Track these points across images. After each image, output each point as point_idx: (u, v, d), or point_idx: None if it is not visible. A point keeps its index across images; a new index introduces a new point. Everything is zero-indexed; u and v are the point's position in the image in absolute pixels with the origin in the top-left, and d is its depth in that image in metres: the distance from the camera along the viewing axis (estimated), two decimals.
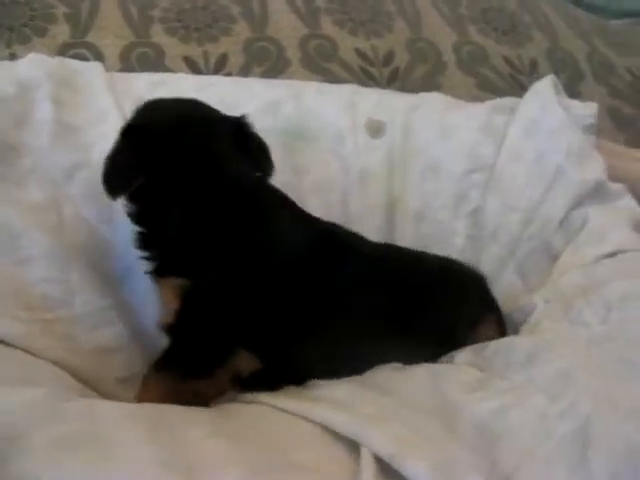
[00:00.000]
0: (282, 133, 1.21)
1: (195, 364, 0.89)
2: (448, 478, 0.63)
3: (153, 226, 0.96)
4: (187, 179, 0.92)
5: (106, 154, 0.95)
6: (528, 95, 1.35)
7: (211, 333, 0.90)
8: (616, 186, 1.22)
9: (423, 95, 1.42)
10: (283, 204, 1.02)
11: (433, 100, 1.38)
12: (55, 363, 0.88)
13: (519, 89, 1.67)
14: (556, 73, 1.72)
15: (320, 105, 1.28)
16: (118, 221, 1.08)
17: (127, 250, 1.04)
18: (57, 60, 1.27)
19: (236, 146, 0.98)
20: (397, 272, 1.03)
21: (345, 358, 0.90)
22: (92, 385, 0.92)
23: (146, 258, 0.97)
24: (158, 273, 0.96)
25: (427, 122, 1.31)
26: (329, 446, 0.68)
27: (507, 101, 1.38)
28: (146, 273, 0.97)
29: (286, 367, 0.92)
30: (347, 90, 1.36)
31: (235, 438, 0.66)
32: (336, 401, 0.76)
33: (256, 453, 0.64)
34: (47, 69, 1.20)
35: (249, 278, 0.91)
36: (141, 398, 0.88)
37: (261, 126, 1.19)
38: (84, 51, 1.47)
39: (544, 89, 1.32)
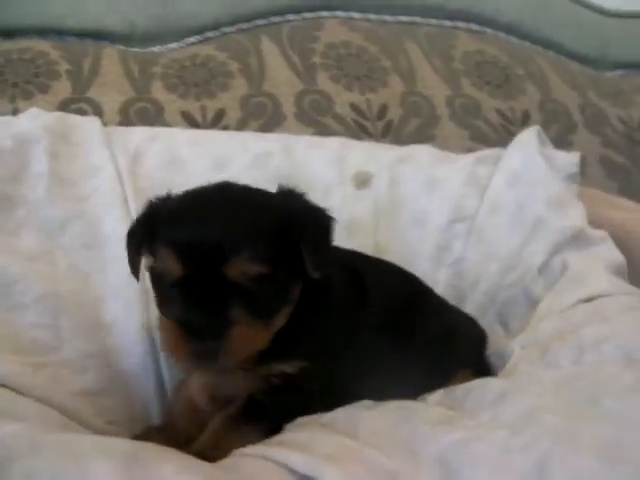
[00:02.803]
0: (272, 186, 1.24)
1: (280, 425, 0.89)
2: None
3: None
4: None
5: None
6: (511, 146, 1.37)
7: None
8: (597, 232, 1.24)
9: (411, 147, 1.45)
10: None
11: (420, 153, 1.41)
12: (42, 402, 0.88)
13: (511, 139, 1.69)
14: (548, 124, 1.77)
15: (309, 158, 1.31)
16: (110, 271, 1.11)
17: (116, 299, 1.08)
18: (56, 115, 1.30)
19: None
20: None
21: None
22: (83, 424, 0.93)
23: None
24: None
25: (413, 174, 1.33)
26: None
27: (491, 152, 1.40)
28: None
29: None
30: (337, 143, 1.39)
31: (206, 474, 0.68)
32: (299, 444, 0.77)
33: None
34: (46, 123, 1.23)
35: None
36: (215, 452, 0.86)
37: (251, 178, 1.24)
38: (85, 106, 1.53)
39: (528, 140, 1.35)
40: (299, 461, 0.70)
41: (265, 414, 0.91)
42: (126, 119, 1.53)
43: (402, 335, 1.03)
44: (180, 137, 1.34)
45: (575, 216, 1.24)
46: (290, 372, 0.91)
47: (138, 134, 1.32)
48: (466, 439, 0.72)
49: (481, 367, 1.13)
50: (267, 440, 0.84)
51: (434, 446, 0.72)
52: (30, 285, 1.03)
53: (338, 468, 0.68)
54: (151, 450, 0.71)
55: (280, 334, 0.90)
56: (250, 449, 0.78)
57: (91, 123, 1.31)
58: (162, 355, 1.07)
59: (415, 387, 1.00)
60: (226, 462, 0.76)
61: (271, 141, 1.36)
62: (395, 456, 0.72)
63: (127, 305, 1.09)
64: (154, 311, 1.07)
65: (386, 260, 1.17)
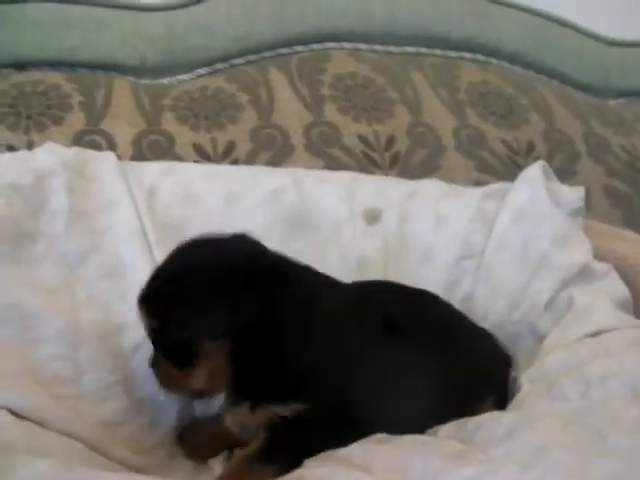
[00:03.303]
0: (283, 222, 1.27)
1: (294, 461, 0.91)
2: None
3: None
4: None
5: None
6: (518, 182, 1.39)
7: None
8: (601, 266, 1.26)
9: (420, 183, 1.47)
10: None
11: (429, 188, 1.43)
12: (64, 434, 0.90)
13: (516, 170, 1.71)
14: (552, 154, 1.80)
15: (319, 194, 1.33)
16: (130, 299, 1.10)
17: (137, 326, 1.08)
18: (72, 150, 1.33)
19: None
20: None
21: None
22: (105, 454, 0.94)
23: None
24: None
25: (421, 210, 1.35)
26: None
27: (498, 187, 1.42)
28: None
29: None
30: (346, 178, 1.41)
31: None
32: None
33: None
34: (62, 159, 1.26)
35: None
36: None
37: (265, 215, 1.26)
38: (98, 138, 1.55)
39: (533, 175, 1.36)
40: None
41: (279, 453, 0.94)
42: (139, 151, 1.55)
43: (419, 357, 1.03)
44: (193, 172, 1.37)
45: (581, 251, 1.26)
46: (288, 414, 0.95)
47: (152, 169, 1.35)
48: (479, 474, 0.73)
49: (503, 394, 1.13)
50: (287, 476, 0.86)
51: None
52: (48, 318, 1.05)
53: None
54: None
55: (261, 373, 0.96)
56: None
57: (107, 158, 1.33)
58: None
59: (434, 414, 1.01)
60: None
61: (282, 176, 1.39)
62: None
63: None
64: None
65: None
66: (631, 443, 0.78)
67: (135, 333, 1.10)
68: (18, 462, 0.72)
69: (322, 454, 0.90)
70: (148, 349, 1.07)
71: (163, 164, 1.41)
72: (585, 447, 0.79)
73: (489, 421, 0.93)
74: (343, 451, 0.89)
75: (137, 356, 1.10)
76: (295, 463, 0.90)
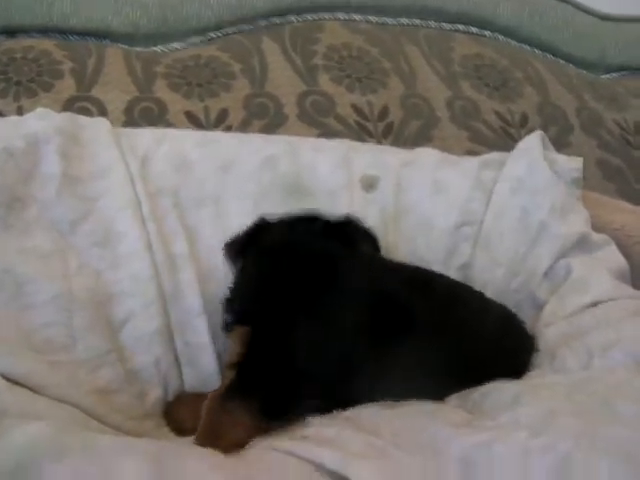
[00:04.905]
0: (278, 188, 1.25)
1: (273, 405, 0.90)
2: None
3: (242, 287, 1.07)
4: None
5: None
6: (516, 151, 1.39)
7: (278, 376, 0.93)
8: (599, 236, 1.26)
9: (416, 151, 1.46)
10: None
11: (426, 156, 1.42)
12: (59, 400, 0.89)
13: (510, 141, 1.72)
14: (546, 126, 1.79)
15: (315, 161, 1.32)
16: (122, 268, 1.12)
17: (131, 296, 1.10)
18: (65, 115, 1.30)
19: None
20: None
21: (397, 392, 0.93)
22: (100, 421, 0.93)
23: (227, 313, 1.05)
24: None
25: (419, 178, 1.34)
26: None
27: (496, 156, 1.41)
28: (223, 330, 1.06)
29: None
30: (342, 146, 1.40)
31: (232, 473, 0.69)
32: (326, 439, 0.78)
33: None
34: (55, 124, 1.23)
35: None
36: (212, 427, 0.90)
37: (261, 182, 1.25)
38: (89, 105, 1.54)
39: (532, 145, 1.36)
40: (328, 458, 0.71)
41: (249, 388, 0.92)
42: (131, 119, 1.54)
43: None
44: (187, 139, 1.35)
45: (579, 221, 1.26)
46: None
47: (146, 136, 1.32)
48: (488, 440, 0.73)
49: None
50: (290, 434, 0.85)
51: (457, 447, 0.73)
52: (41, 284, 1.04)
53: (368, 467, 0.69)
54: (176, 450, 0.73)
55: None
56: (274, 442, 0.79)
57: (100, 124, 1.31)
58: (183, 356, 1.11)
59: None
60: (249, 456, 0.77)
61: (277, 144, 1.37)
62: (418, 456, 0.73)
63: (143, 303, 1.10)
64: (176, 313, 1.12)
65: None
66: (638, 410, 0.78)
67: (126, 304, 1.10)
68: (11, 425, 0.71)
69: (328, 415, 0.89)
70: (140, 320, 1.08)
71: (157, 131, 1.39)
72: (592, 414, 0.79)
73: (494, 390, 0.92)
74: (349, 412, 0.88)
75: (128, 326, 1.09)
76: (274, 399, 0.90)
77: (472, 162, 1.39)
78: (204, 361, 1.11)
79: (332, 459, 0.71)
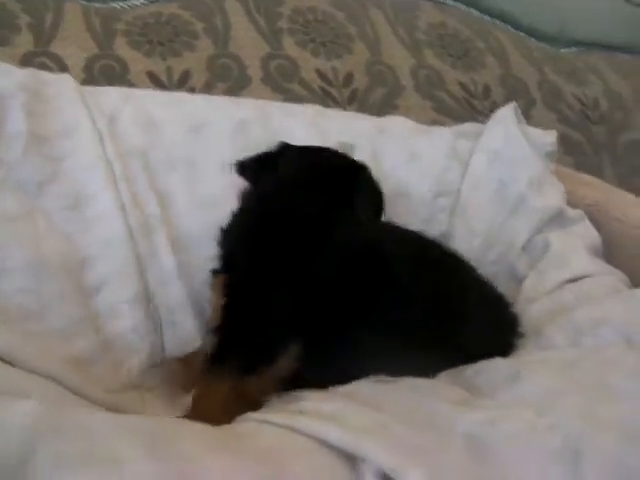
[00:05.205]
0: (252, 153, 1.22)
1: (244, 361, 0.90)
2: None
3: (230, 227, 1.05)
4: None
5: None
6: (491, 123, 1.38)
7: (255, 325, 0.92)
8: (574, 212, 1.26)
9: (387, 119, 1.44)
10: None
11: (398, 124, 1.40)
12: (35, 373, 0.82)
13: (473, 113, 1.73)
14: (508, 99, 1.78)
15: (288, 127, 1.29)
16: (93, 232, 1.07)
17: (103, 260, 1.04)
18: (27, 71, 1.23)
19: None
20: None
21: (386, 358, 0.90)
22: (79, 394, 0.87)
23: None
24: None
25: (394, 146, 1.33)
26: (324, 459, 0.67)
27: (471, 127, 1.41)
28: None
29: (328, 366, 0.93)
30: (312, 112, 1.37)
31: (233, 451, 0.66)
32: (327, 415, 0.74)
33: (255, 466, 0.64)
34: (18, 80, 1.17)
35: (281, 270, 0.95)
36: (201, 400, 0.90)
37: (234, 146, 1.22)
38: (48, 61, 1.48)
39: (506, 117, 1.36)
40: (334, 434, 0.68)
41: (229, 349, 0.92)
42: (91, 77, 1.48)
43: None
44: (154, 99, 1.29)
45: (555, 196, 1.26)
46: None
47: (112, 95, 1.27)
48: (493, 418, 0.72)
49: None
50: (281, 408, 0.82)
51: (460, 424, 0.72)
52: (12, 249, 0.98)
53: (379, 444, 0.67)
54: (173, 426, 0.70)
55: None
56: (271, 416, 0.76)
57: (64, 81, 1.24)
58: (162, 320, 1.06)
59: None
60: (244, 430, 0.74)
61: (247, 107, 1.33)
62: (423, 432, 0.72)
63: (117, 268, 1.05)
64: (152, 276, 1.07)
65: None
66: (634, 387, 0.77)
67: (100, 268, 1.04)
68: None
69: (324, 391, 0.86)
70: (115, 286, 1.03)
71: (122, 90, 1.33)
72: (590, 391, 0.78)
73: (487, 368, 0.91)
74: (348, 388, 0.86)
75: (103, 293, 1.03)
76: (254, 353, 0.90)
77: (445, 132, 1.39)
78: (184, 324, 1.07)
79: (339, 436, 0.68)
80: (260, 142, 1.20)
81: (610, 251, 1.24)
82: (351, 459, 0.67)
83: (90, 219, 1.08)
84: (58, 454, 0.59)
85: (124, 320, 1.02)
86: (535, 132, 1.37)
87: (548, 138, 1.36)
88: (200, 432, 0.70)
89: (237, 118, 1.27)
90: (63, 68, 1.47)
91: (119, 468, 0.59)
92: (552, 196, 1.26)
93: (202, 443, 0.65)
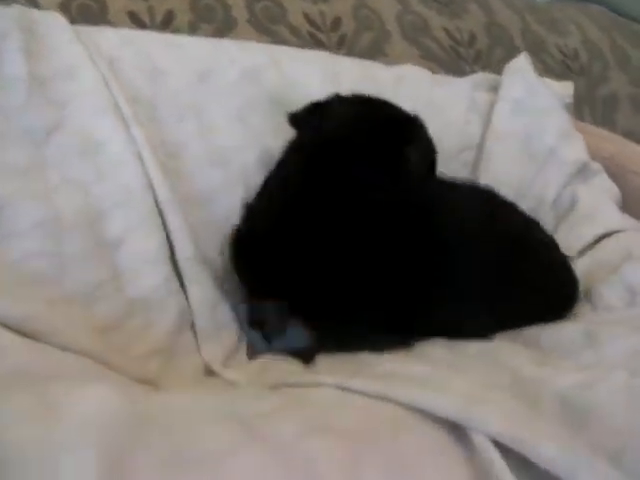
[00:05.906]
0: (265, 103, 1.16)
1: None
2: (577, 462, 0.55)
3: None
4: None
5: None
6: (508, 73, 1.33)
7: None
8: (594, 165, 1.24)
9: (404, 67, 1.38)
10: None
11: (416, 73, 1.35)
12: (62, 348, 0.71)
13: (459, 60, 1.68)
14: (493, 47, 1.75)
15: (301, 74, 1.22)
16: (109, 181, 0.97)
17: (123, 211, 0.95)
18: (16, 8, 1.11)
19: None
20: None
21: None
22: (109, 366, 0.76)
23: None
24: None
25: (415, 96, 1.26)
26: (433, 433, 0.60)
27: (485, 78, 1.36)
28: None
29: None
30: (324, 59, 1.30)
31: (323, 431, 0.58)
32: (418, 379, 0.69)
33: (355, 447, 0.58)
34: (9, 16, 1.06)
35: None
36: None
37: (245, 95, 1.15)
38: None
39: (523, 67, 1.31)
40: (439, 402, 0.62)
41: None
42: (68, 17, 1.33)
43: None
44: (156, 43, 1.20)
45: (580, 148, 1.23)
46: None
47: (109, 36, 1.16)
48: (587, 381, 0.67)
49: None
50: (362, 370, 0.77)
51: (551, 388, 0.67)
52: (23, 207, 0.88)
53: (494, 411, 0.60)
54: (257, 403, 0.64)
55: None
56: (354, 382, 0.69)
57: (54, 18, 1.13)
58: (190, 279, 0.97)
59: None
60: (325, 401, 0.67)
61: (254, 53, 1.25)
62: (517, 398, 0.67)
63: (139, 220, 0.96)
64: (174, 226, 0.99)
65: None
66: None
67: (120, 220, 0.95)
68: (65, 394, 0.54)
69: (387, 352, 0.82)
70: (139, 236, 0.94)
71: (120, 31, 1.22)
72: None
73: (550, 329, 0.87)
74: (417, 350, 0.82)
75: (124, 248, 0.94)
76: None
77: (464, 82, 1.33)
78: (211, 277, 0.99)
79: (445, 406, 0.61)
80: (274, 92, 1.13)
81: (626, 204, 1.21)
82: (455, 430, 0.60)
83: (104, 166, 0.98)
84: (162, 458, 0.51)
85: (150, 276, 0.93)
86: (552, 83, 1.33)
87: (565, 90, 1.32)
88: (286, 408, 0.64)
89: (245, 65, 1.19)
90: (36, 6, 1.34)
91: (220, 463, 0.52)
92: (578, 149, 1.23)
93: (297, 425, 0.59)
